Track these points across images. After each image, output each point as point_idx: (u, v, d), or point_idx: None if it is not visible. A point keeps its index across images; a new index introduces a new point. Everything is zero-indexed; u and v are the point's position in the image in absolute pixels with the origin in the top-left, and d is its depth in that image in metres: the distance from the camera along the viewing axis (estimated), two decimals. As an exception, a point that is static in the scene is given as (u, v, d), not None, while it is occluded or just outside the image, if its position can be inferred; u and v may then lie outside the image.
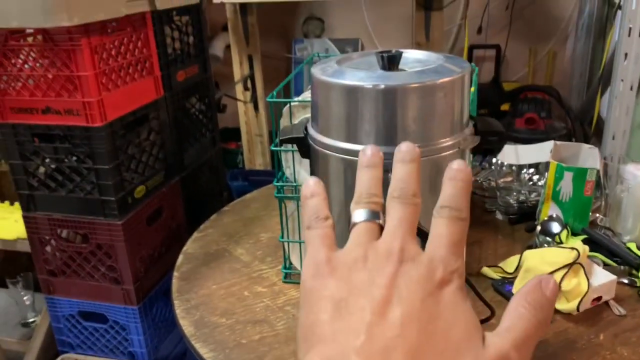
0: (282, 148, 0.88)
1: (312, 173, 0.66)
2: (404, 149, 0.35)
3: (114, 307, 1.19)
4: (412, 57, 0.64)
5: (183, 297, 0.91)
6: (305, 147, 0.64)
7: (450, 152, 0.58)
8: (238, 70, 2.12)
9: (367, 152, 0.35)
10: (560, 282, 0.81)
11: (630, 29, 1.42)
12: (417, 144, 0.56)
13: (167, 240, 1.28)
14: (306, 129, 0.64)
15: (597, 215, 1.04)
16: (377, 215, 0.32)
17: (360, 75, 0.57)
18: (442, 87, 0.56)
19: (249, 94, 2.17)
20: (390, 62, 0.60)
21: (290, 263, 0.94)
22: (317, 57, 1.13)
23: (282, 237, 0.92)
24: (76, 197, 1.11)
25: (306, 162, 0.88)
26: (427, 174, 0.58)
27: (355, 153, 0.58)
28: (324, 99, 0.60)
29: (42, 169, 1.14)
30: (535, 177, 1.20)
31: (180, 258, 1.03)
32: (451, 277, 0.30)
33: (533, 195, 1.14)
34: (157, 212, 1.25)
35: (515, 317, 0.29)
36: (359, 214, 0.32)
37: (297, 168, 0.88)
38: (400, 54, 0.60)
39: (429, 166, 0.57)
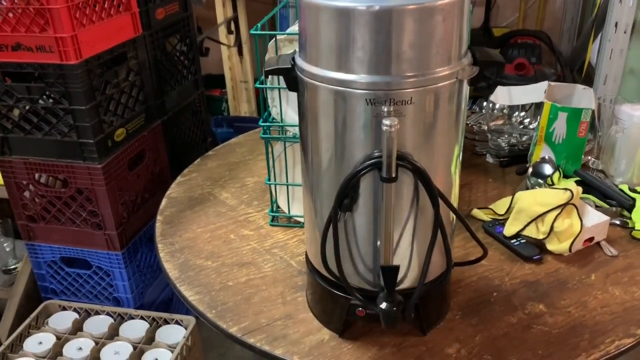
0: (268, 85, 0.84)
1: (300, 107, 0.62)
2: None
3: (97, 252, 1.16)
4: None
5: (167, 241, 0.89)
6: (292, 79, 0.60)
7: (448, 82, 0.54)
8: (221, 12, 2.03)
9: None
10: (553, 222, 0.80)
11: (627, -31, 1.38)
12: (412, 72, 0.53)
13: (150, 186, 1.25)
14: (293, 59, 0.60)
15: (589, 157, 1.03)
16: None
17: (353, -3, 0.53)
18: (441, 9, 0.52)
19: (232, 37, 2.09)
20: (385, -16, 0.56)
21: (278, 206, 0.92)
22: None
23: (269, 179, 0.89)
24: (53, 139, 1.06)
25: (294, 100, 0.85)
26: (424, 107, 0.55)
27: (346, 83, 0.54)
28: (313, 24, 0.56)
29: (16, 111, 1.09)
30: (527, 120, 1.17)
31: (164, 202, 1.00)
32: None
33: (524, 138, 1.12)
34: (138, 156, 1.21)
35: None
36: None
37: (284, 107, 0.84)
38: None
39: (425, 97, 0.54)
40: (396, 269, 0.59)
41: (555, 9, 2.25)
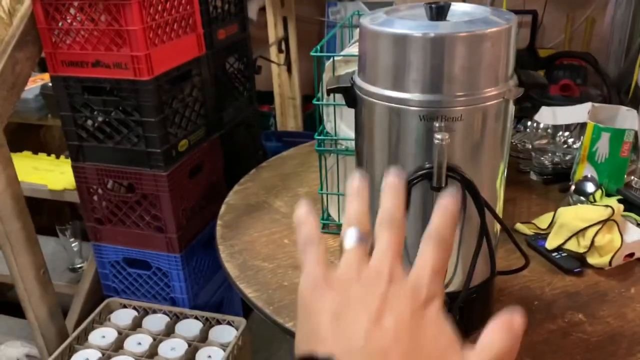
0: (324, 102, 0.91)
1: (357, 123, 0.68)
2: (390, 181, 0.39)
3: (157, 254, 1.25)
4: (459, 9, 0.65)
5: (227, 243, 0.96)
6: (351, 97, 0.66)
7: (495, 101, 0.60)
8: (272, 33, 2.13)
9: (354, 183, 0.39)
10: (593, 237, 0.83)
11: (675, -8, 1.39)
12: (462, 92, 0.59)
13: (207, 194, 1.33)
14: (352, 79, 0.67)
15: (632, 177, 1.05)
16: (366, 238, 0.36)
17: (409, 24, 0.59)
18: (490, 37, 0.57)
19: (282, 56, 2.19)
20: (439, 12, 0.62)
21: (329, 214, 0.98)
22: (356, 15, 1.15)
23: (322, 189, 0.96)
24: (123, 148, 1.16)
25: (347, 116, 0.92)
26: (472, 123, 0.60)
27: (402, 101, 0.60)
28: (373, 48, 0.62)
29: (90, 122, 1.19)
30: (570, 140, 1.20)
31: (223, 208, 1.08)
32: (433, 299, 0.34)
33: (568, 157, 1.15)
34: (198, 166, 1.30)
35: (489, 339, 0.32)
36: (350, 235, 0.36)
37: (337, 122, 0.91)
38: (449, 5, 0.62)
39: (473, 115, 0.60)
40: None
41: (602, 30, 2.26)
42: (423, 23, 0.61)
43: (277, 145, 1.90)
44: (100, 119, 1.17)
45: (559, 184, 1.10)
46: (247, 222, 1.02)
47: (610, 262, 0.82)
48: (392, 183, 0.39)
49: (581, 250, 0.84)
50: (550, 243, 0.87)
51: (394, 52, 0.59)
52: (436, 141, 0.58)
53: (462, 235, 0.65)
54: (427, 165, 0.61)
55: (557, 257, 0.86)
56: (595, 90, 2.05)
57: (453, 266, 0.67)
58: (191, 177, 1.26)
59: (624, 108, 1.07)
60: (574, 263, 0.84)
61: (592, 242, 0.83)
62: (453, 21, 0.61)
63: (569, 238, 0.85)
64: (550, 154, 1.15)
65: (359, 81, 0.65)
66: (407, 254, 0.62)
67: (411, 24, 0.59)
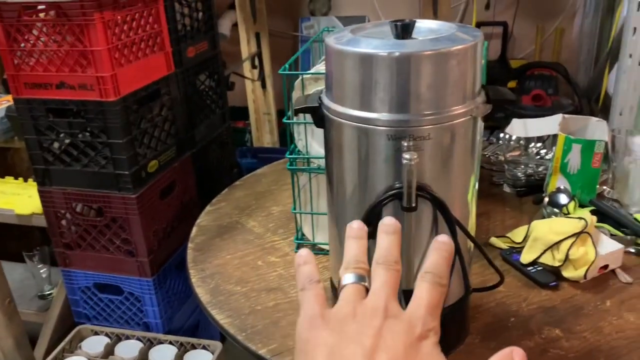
0: (295, 120, 0.89)
1: (326, 142, 0.67)
2: (387, 223, 0.41)
3: (128, 278, 1.22)
4: (425, 26, 0.65)
5: (198, 267, 0.93)
6: (319, 117, 0.65)
7: (463, 119, 0.59)
8: (245, 48, 2.12)
9: (354, 226, 0.41)
10: (568, 251, 0.83)
11: (639, 3, 1.42)
12: (430, 111, 0.58)
13: (180, 215, 1.31)
14: (320, 98, 0.65)
15: (604, 187, 1.05)
16: (363, 279, 0.37)
17: (374, 43, 0.58)
18: (455, 54, 0.57)
19: (256, 72, 2.17)
20: (404, 30, 0.61)
21: (303, 234, 0.96)
22: (327, 31, 1.14)
23: (295, 208, 0.94)
24: (91, 171, 1.13)
25: (318, 134, 0.90)
26: (441, 142, 0.59)
27: (369, 121, 0.59)
28: (339, 67, 0.61)
29: (56, 144, 1.16)
30: (543, 151, 1.21)
31: (194, 230, 1.05)
32: (428, 334, 0.34)
33: (541, 168, 1.16)
34: (169, 186, 1.27)
35: None
36: (347, 277, 0.37)
37: (309, 140, 0.90)
38: (414, 22, 0.61)
39: (442, 133, 0.59)
40: (411, 292, 0.62)
41: (571, 40, 2.30)
42: (389, 42, 0.60)
43: (252, 162, 1.88)
44: (66, 141, 1.14)
45: (533, 195, 1.10)
46: (219, 244, 1.00)
47: (585, 275, 0.82)
48: (388, 224, 0.40)
49: (556, 264, 0.84)
50: (525, 257, 0.87)
51: (360, 71, 0.58)
52: (405, 161, 0.57)
53: (435, 255, 0.64)
54: (397, 185, 0.60)
55: (533, 271, 0.85)
56: (567, 100, 2.08)
57: (427, 286, 0.66)
58: (162, 198, 1.23)
59: (594, 119, 1.08)
60: (549, 277, 0.84)
61: (567, 255, 0.83)
62: (419, 39, 0.60)
63: (544, 252, 0.85)
64: (523, 166, 1.15)
65: (326, 101, 0.64)
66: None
67: (376, 43, 0.58)
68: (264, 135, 2.26)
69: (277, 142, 2.26)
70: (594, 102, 2.04)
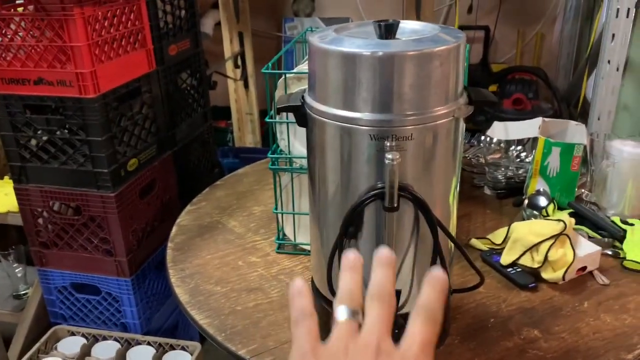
0: (277, 119, 0.89)
1: (309, 141, 0.67)
2: (383, 254, 0.39)
3: (106, 278, 1.20)
4: (409, 27, 0.65)
5: (178, 267, 0.92)
6: (302, 116, 0.65)
7: (445, 120, 0.59)
8: (228, 48, 2.11)
9: (350, 257, 0.39)
10: (547, 252, 0.83)
11: (617, 9, 1.44)
12: (413, 111, 0.58)
13: (160, 214, 1.29)
14: (303, 97, 0.65)
15: (583, 190, 1.07)
16: (357, 314, 0.37)
17: (358, 42, 0.58)
18: (438, 55, 0.57)
19: (239, 71, 2.16)
20: (388, 30, 0.61)
21: (284, 234, 0.96)
22: (310, 31, 1.14)
23: (276, 208, 0.93)
24: (69, 169, 1.11)
25: (300, 134, 0.90)
26: (423, 142, 0.59)
27: (352, 120, 0.59)
28: (322, 66, 0.61)
29: (34, 141, 1.14)
30: (523, 154, 1.22)
31: (174, 229, 1.04)
32: None
33: (521, 171, 1.17)
34: (149, 185, 1.26)
35: None
36: (341, 311, 0.36)
37: (291, 140, 0.89)
38: (398, 23, 0.61)
39: (424, 134, 0.59)
40: (398, 293, 0.62)
41: (551, 45, 2.33)
42: (372, 41, 0.60)
43: (234, 162, 1.87)
44: (44, 138, 1.12)
45: (513, 197, 1.11)
46: (199, 244, 0.99)
47: (563, 277, 0.83)
48: (384, 256, 0.39)
49: (535, 265, 0.84)
50: (505, 258, 0.87)
51: (344, 70, 0.58)
52: (387, 161, 0.57)
53: (416, 255, 0.64)
54: (379, 185, 0.60)
55: (512, 272, 0.86)
56: (546, 104, 2.10)
57: (408, 286, 0.66)
58: (142, 197, 1.22)
59: (572, 122, 1.09)
60: (528, 278, 0.84)
61: (546, 257, 0.83)
62: (402, 39, 0.61)
63: (523, 253, 0.86)
64: (503, 169, 1.16)
65: (309, 100, 0.63)
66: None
67: (360, 43, 0.58)
68: (246, 135, 2.24)
69: (259, 142, 2.25)
70: (573, 107, 2.06)
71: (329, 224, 0.67)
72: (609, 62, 1.50)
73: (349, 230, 0.62)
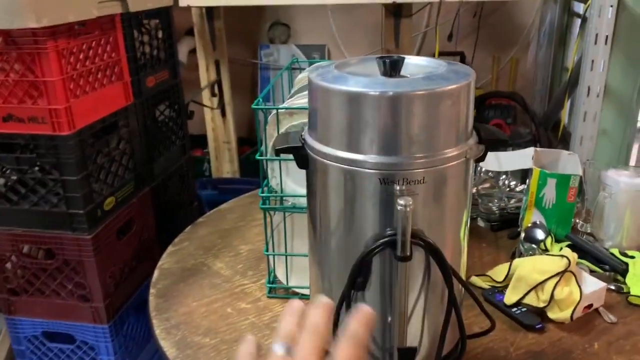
0: (269, 157, 0.84)
1: (309, 184, 0.62)
2: (322, 302, 0.41)
3: (82, 326, 1.12)
4: (413, 62, 0.62)
5: (162, 317, 0.86)
6: (302, 157, 0.60)
7: (457, 162, 0.56)
8: (205, 76, 2.06)
9: (293, 305, 0.42)
10: (552, 291, 0.80)
11: (596, 35, 1.46)
12: (423, 153, 0.55)
13: (138, 254, 1.22)
14: (303, 137, 0.61)
15: (577, 220, 1.05)
16: (291, 351, 0.39)
17: (363, 81, 0.54)
18: (450, 94, 0.53)
19: (216, 100, 2.11)
20: (393, 67, 0.58)
21: (275, 277, 0.91)
22: (296, 62, 1.10)
23: (267, 250, 0.88)
24: (41, 210, 1.04)
25: (293, 171, 0.85)
26: (434, 185, 0.56)
27: (357, 163, 0.55)
28: (324, 106, 0.57)
29: (2, 180, 1.06)
30: (513, 183, 1.20)
31: (156, 274, 0.98)
32: None
33: (512, 201, 1.14)
34: (127, 224, 1.19)
35: None
36: (278, 346, 0.39)
37: (284, 178, 0.85)
38: (403, 59, 0.58)
39: (436, 177, 0.55)
40: (413, 351, 0.58)
41: (525, 71, 2.35)
42: (378, 80, 0.56)
43: (212, 194, 1.81)
44: (13, 178, 1.05)
45: (507, 229, 1.08)
46: (183, 290, 0.92)
47: (571, 317, 0.80)
48: (323, 303, 0.41)
49: (541, 305, 0.81)
50: (509, 298, 0.84)
51: (349, 111, 0.54)
52: (399, 207, 0.53)
53: (427, 305, 0.60)
54: (389, 232, 0.56)
55: (517, 312, 0.82)
56: (525, 129, 2.11)
57: (418, 338, 0.61)
58: (119, 238, 1.15)
59: (565, 152, 1.07)
60: (534, 319, 0.81)
61: (552, 296, 0.80)
62: (410, 77, 0.57)
63: (528, 292, 0.82)
64: (497, 200, 1.13)
65: (310, 140, 0.59)
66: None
67: (366, 81, 0.54)
68: (224, 165, 2.18)
69: (237, 172, 2.19)
70: (550, 131, 2.08)
71: (332, 273, 0.63)
72: (589, 88, 1.51)
73: (357, 281, 0.58)
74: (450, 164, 0.55)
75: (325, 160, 0.57)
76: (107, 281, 1.10)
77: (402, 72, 0.59)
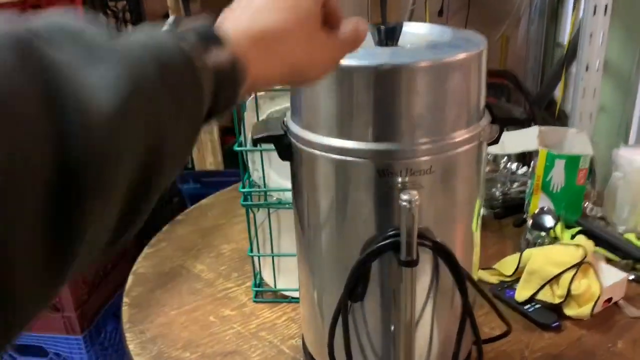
0: (248, 147, 0.75)
1: (294, 178, 0.53)
2: None
3: (54, 337, 1.03)
4: (411, 30, 0.52)
5: (136, 329, 0.77)
6: (285, 147, 0.51)
7: (468, 146, 0.47)
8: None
9: None
10: (569, 285, 0.72)
11: (595, 7, 1.37)
12: (429, 138, 0.46)
13: (113, 257, 1.13)
14: (285, 124, 0.52)
15: (586, 203, 0.97)
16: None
17: (355, 52, 0.45)
18: (460, 66, 0.45)
19: (195, 88, 2.01)
20: (389, 35, 0.49)
21: (261, 279, 0.82)
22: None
23: (251, 250, 0.79)
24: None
25: (277, 162, 0.76)
26: (443, 175, 0.47)
27: (350, 152, 0.46)
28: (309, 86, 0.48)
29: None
30: (514, 166, 1.12)
31: (130, 280, 0.89)
32: None
33: (515, 185, 1.06)
34: (99, 225, 1.09)
35: None
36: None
37: (266, 170, 0.75)
38: (401, 25, 0.49)
39: (445, 165, 0.46)
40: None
41: (517, 48, 2.27)
42: (372, 51, 0.47)
43: (195, 187, 1.71)
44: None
45: (512, 216, 1.00)
46: (161, 297, 0.83)
47: (591, 313, 0.72)
48: None
49: (556, 301, 0.73)
50: (521, 294, 0.76)
51: (338, 89, 0.45)
52: (403, 203, 0.44)
53: (435, 314, 0.52)
54: (391, 233, 0.47)
55: (531, 310, 0.74)
56: (519, 108, 2.04)
57: (425, 353, 0.53)
58: (91, 240, 1.05)
59: (572, 130, 1.00)
60: (550, 316, 0.73)
61: (569, 290, 0.72)
62: (409, 47, 0.48)
63: (542, 287, 0.74)
64: (499, 184, 1.05)
65: (294, 127, 0.50)
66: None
67: (357, 52, 0.45)
68: (207, 156, 2.09)
69: (220, 164, 2.09)
70: (545, 110, 2.00)
71: (324, 278, 0.54)
72: (587, 63, 1.43)
73: (355, 291, 0.49)
74: (461, 149, 0.47)
75: (311, 150, 0.48)
76: (79, 288, 1.00)
77: (400, 42, 0.50)
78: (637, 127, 1.60)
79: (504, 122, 0.50)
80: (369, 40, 0.50)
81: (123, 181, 0.23)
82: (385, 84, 0.44)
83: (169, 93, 0.25)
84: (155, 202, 0.28)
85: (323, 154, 0.48)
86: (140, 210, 0.26)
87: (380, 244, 0.47)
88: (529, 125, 2.03)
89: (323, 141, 0.47)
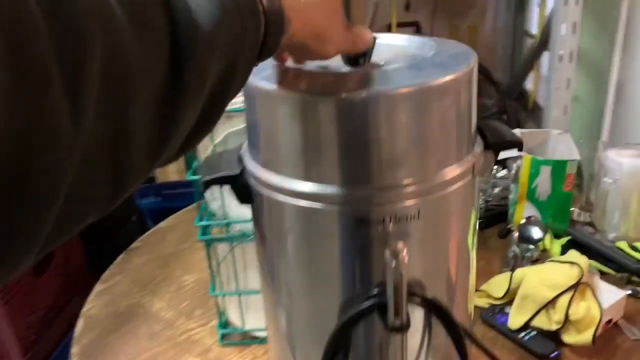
0: (200, 176, 0.66)
1: (257, 224, 0.45)
2: None
3: (-1, 388, 0.92)
4: (386, 42, 0.44)
5: (87, 386, 0.68)
6: (242, 189, 0.43)
7: (461, 182, 0.39)
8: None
9: None
10: (567, 309, 0.66)
11: (567, -4, 1.32)
12: (415, 177, 0.38)
13: (65, 292, 1.02)
14: (241, 159, 0.43)
15: (573, 208, 0.91)
16: None
17: (321, 77, 0.37)
18: (448, 89, 0.37)
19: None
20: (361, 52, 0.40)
21: (226, 320, 0.73)
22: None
23: (214, 289, 0.70)
24: None
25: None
26: (434, 219, 0.39)
27: (320, 197, 0.38)
28: (267, 117, 0.39)
29: None
30: (493, 170, 1.05)
31: (80, 324, 0.79)
32: None
33: (496, 190, 1.00)
34: (46, 257, 0.98)
35: None
36: None
37: (226, 200, 0.67)
38: (374, 39, 0.41)
39: (435, 207, 0.39)
40: None
41: (485, 38, 2.22)
42: (341, 74, 0.39)
43: (155, 201, 1.60)
44: None
45: (496, 226, 0.94)
46: (115, 344, 0.74)
47: (593, 339, 0.65)
48: None
49: (554, 327, 0.67)
50: (514, 321, 0.69)
51: (303, 123, 0.37)
52: (388, 258, 0.36)
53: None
54: (375, 292, 0.39)
55: (526, 338, 0.68)
56: (490, 100, 1.99)
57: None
58: (37, 275, 0.95)
59: (554, 132, 0.94)
60: (548, 345, 0.66)
61: (566, 315, 0.66)
62: (387, 66, 0.40)
63: (537, 312, 0.68)
64: (481, 192, 0.98)
65: (252, 165, 0.42)
66: None
67: (324, 78, 0.37)
68: (169, 166, 1.98)
69: (184, 171, 1.99)
70: (516, 101, 1.96)
71: (295, 341, 0.46)
72: (560, 53, 1.38)
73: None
74: (453, 187, 0.39)
75: (274, 194, 0.40)
76: (24, 331, 0.90)
77: (374, 58, 0.42)
78: (610, 117, 1.56)
79: (498, 147, 0.42)
80: (337, 58, 0.41)
81: (212, 76, 0.28)
82: (357, 115, 0.36)
83: (241, 24, 0.30)
84: (219, 117, 0.31)
85: (288, 199, 0.39)
86: (210, 119, 0.30)
87: (362, 306, 0.39)
88: (501, 117, 1.98)
89: (287, 184, 0.39)
